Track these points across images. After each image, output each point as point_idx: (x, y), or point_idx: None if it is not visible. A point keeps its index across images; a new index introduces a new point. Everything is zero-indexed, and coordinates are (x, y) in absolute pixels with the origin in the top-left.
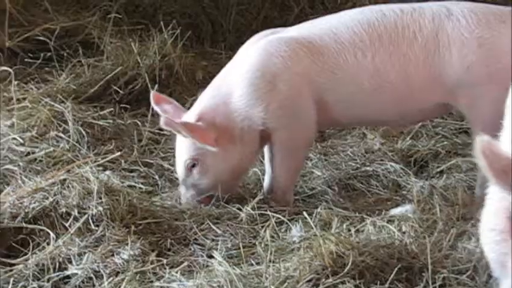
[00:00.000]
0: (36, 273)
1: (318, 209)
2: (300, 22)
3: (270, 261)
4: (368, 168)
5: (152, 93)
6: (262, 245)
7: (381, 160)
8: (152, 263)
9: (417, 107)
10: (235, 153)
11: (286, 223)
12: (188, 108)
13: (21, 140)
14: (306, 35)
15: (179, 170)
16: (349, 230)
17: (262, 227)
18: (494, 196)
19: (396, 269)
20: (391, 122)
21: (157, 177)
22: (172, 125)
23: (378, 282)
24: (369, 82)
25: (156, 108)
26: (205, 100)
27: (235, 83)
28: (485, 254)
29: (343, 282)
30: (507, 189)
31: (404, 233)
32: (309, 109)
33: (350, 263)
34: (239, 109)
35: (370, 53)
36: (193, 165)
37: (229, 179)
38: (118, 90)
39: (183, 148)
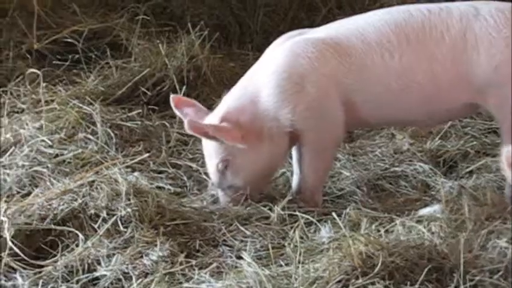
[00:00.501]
0: (65, 275)
1: (347, 210)
2: (327, 23)
3: (299, 262)
4: (396, 168)
5: (172, 97)
6: (292, 246)
7: (410, 160)
8: (181, 264)
9: (445, 107)
10: (264, 151)
11: (316, 224)
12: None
13: (49, 142)
14: (333, 35)
15: (213, 174)
16: (378, 231)
17: (292, 227)
18: None
19: (426, 269)
20: (419, 122)
21: (185, 178)
22: (196, 127)
23: (408, 283)
24: (396, 82)
25: (177, 112)
26: (230, 101)
27: (262, 84)
28: None
29: (373, 283)
30: None
31: (433, 233)
32: (336, 110)
33: (379, 264)
34: (266, 110)
35: (397, 53)
36: (226, 167)
37: (261, 177)
38: (146, 91)
39: (212, 152)
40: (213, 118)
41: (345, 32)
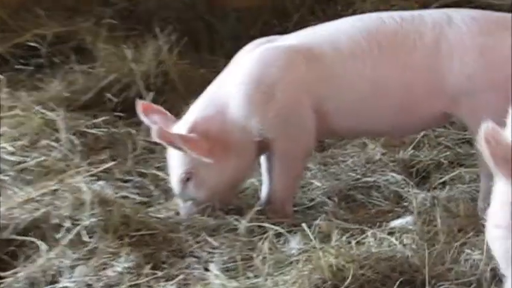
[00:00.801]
0: (26, 286)
1: (318, 221)
2: (299, 29)
3: (268, 274)
4: (368, 179)
5: (139, 103)
6: (260, 258)
7: (382, 171)
8: (146, 276)
9: (418, 116)
10: (230, 164)
11: (285, 235)
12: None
13: (11, 149)
14: (304, 42)
15: (175, 184)
16: (349, 243)
17: (260, 239)
18: (499, 191)
19: (398, 282)
20: (391, 132)
21: (151, 187)
22: (164, 136)
23: None
24: (369, 91)
25: (144, 119)
26: (197, 110)
27: (230, 94)
28: (492, 252)
29: None
30: (507, 178)
31: (405, 245)
32: (307, 118)
33: (350, 277)
34: (235, 120)
35: (369, 61)
36: (188, 179)
37: (226, 190)
38: (112, 98)
39: (176, 161)
40: (180, 127)
41: (317, 39)
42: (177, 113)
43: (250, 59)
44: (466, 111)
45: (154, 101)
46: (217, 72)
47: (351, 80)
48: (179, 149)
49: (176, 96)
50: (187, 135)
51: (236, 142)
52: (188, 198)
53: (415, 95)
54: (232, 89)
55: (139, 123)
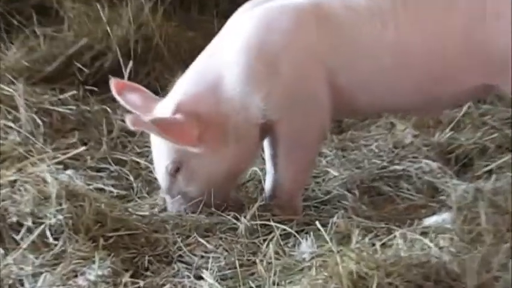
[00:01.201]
0: None
1: (335, 219)
2: None
3: (273, 283)
4: (397, 167)
5: (112, 82)
6: (264, 264)
7: (414, 157)
8: (125, 285)
9: (451, 90)
10: (227, 152)
11: (294, 236)
12: (164, 95)
13: None
14: (312, 1)
15: (161, 177)
16: (373, 245)
17: (264, 240)
18: None
19: None
20: (417, 109)
21: (131, 178)
22: (140, 124)
23: None
24: (390, 58)
25: (120, 100)
26: (185, 86)
27: (226, 65)
28: None
29: None
30: None
31: (441, 248)
32: (320, 94)
33: (374, 286)
34: (232, 98)
35: (392, 20)
36: (177, 170)
37: (223, 182)
38: (83, 68)
39: (162, 149)
40: (164, 108)
41: None
42: (163, 86)
43: (250, 21)
44: None
45: (135, 72)
46: (210, 36)
47: (370, 46)
48: (162, 137)
49: (161, 66)
50: (168, 120)
51: (233, 125)
52: (177, 193)
53: (450, 64)
54: (228, 58)
55: (115, 99)
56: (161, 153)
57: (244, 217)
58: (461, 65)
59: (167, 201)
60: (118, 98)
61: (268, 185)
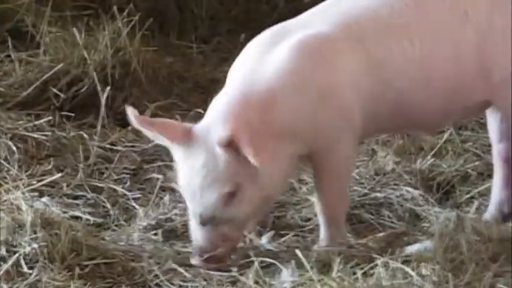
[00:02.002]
0: None
1: (315, 247)
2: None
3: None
4: (378, 194)
5: (132, 114)
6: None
7: (396, 184)
8: None
9: (462, 106)
10: (275, 172)
11: (275, 264)
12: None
13: None
14: (341, 25)
15: (207, 206)
16: (354, 273)
17: (245, 269)
18: None
19: None
20: (434, 124)
21: (108, 205)
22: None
23: None
24: (417, 75)
25: (150, 134)
26: (231, 111)
27: (272, 96)
28: None
29: None
30: None
31: (424, 277)
32: (356, 121)
33: None
34: (279, 127)
35: (416, 36)
36: (232, 195)
37: (267, 204)
38: (59, 93)
39: (215, 174)
40: (212, 133)
41: (354, 16)
42: (140, 112)
43: (292, 52)
44: (506, 101)
45: (112, 97)
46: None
47: (399, 65)
48: (232, 151)
49: (138, 91)
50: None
51: (282, 152)
52: (223, 221)
53: (466, 79)
54: (275, 89)
55: (92, 125)
56: (214, 180)
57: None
58: (473, 80)
59: (200, 233)
60: (148, 132)
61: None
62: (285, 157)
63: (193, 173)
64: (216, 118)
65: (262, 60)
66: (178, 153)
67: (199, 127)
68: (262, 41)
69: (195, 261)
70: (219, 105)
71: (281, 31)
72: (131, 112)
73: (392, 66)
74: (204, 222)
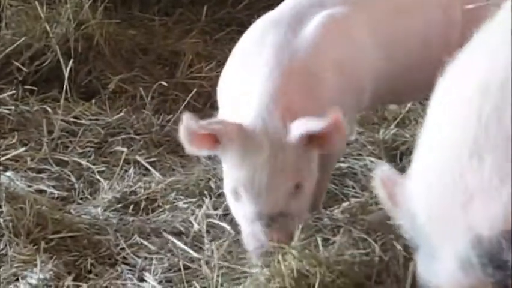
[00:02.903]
0: None
1: None
2: None
3: (217, 284)
4: (341, 164)
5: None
6: (212, 264)
7: (359, 154)
8: None
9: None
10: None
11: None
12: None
13: None
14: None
15: (277, 201)
16: (315, 244)
17: (211, 241)
18: None
19: None
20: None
21: (73, 179)
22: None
23: None
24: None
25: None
26: (279, 97)
27: (314, 73)
28: None
29: None
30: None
31: (385, 248)
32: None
33: (316, 285)
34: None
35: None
36: (298, 188)
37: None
38: (21, 67)
39: (285, 166)
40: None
41: None
42: (104, 85)
43: (318, 30)
44: None
45: (75, 71)
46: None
47: (405, 41)
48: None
49: (102, 64)
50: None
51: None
52: (290, 216)
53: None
54: (320, 72)
55: (56, 99)
56: (283, 173)
57: (195, 219)
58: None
59: (260, 227)
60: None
61: None
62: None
63: (262, 168)
64: (271, 109)
65: (289, 38)
66: (232, 152)
67: (251, 122)
68: (278, 19)
69: (255, 259)
70: (265, 94)
71: (297, 10)
72: (189, 120)
73: (398, 43)
74: (271, 220)
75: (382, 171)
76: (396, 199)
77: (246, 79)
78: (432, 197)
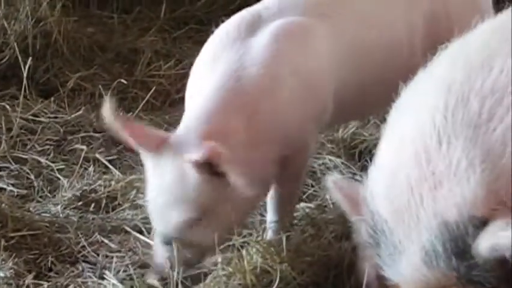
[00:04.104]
0: None
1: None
2: None
3: (177, 284)
4: None
5: (122, 123)
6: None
7: (318, 153)
8: (28, 287)
9: None
10: (253, 191)
11: None
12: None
13: None
14: (315, 10)
15: (170, 226)
16: (278, 241)
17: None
18: None
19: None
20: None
21: (32, 177)
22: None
23: None
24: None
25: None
26: (209, 116)
27: (258, 91)
28: None
29: None
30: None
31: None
32: (329, 114)
33: (277, 281)
34: (265, 130)
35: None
36: (199, 218)
37: (235, 227)
38: None
39: (183, 193)
40: (186, 144)
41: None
42: (62, 83)
43: (275, 40)
44: None
45: (34, 68)
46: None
47: (371, 49)
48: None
49: (60, 62)
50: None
51: (263, 158)
52: (187, 245)
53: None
54: (259, 84)
55: (15, 96)
56: (181, 200)
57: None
58: None
59: (158, 248)
60: (132, 139)
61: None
62: (264, 171)
63: (160, 189)
64: (190, 130)
65: (241, 53)
66: (148, 162)
67: (174, 137)
68: (234, 31)
69: (150, 279)
70: (197, 111)
71: (254, 19)
72: (111, 118)
73: (364, 51)
74: (166, 242)
75: (335, 178)
76: (354, 202)
77: (196, 94)
78: (394, 190)
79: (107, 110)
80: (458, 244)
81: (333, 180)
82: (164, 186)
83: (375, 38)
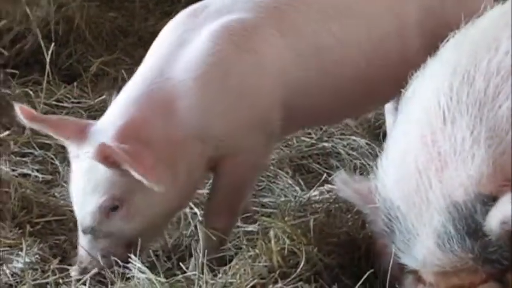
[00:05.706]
0: None
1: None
2: None
3: (202, 265)
4: (325, 144)
5: (20, 108)
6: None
7: (342, 134)
8: (54, 272)
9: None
10: (176, 186)
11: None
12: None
13: None
14: (267, 9)
15: (85, 214)
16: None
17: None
18: None
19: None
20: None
21: (57, 162)
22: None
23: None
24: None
25: (35, 125)
26: (129, 109)
27: (182, 88)
28: None
29: None
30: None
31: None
32: (278, 120)
33: (302, 263)
34: (186, 127)
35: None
36: (114, 208)
37: (164, 220)
38: (2, 51)
39: (96, 184)
40: (106, 135)
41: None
42: (85, 68)
43: (210, 38)
44: None
45: (56, 54)
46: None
47: (332, 50)
48: (114, 167)
49: (82, 47)
50: (131, 149)
51: (186, 155)
52: (105, 234)
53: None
54: (185, 80)
55: (38, 82)
56: (94, 189)
57: None
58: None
59: (83, 242)
60: (33, 124)
61: None
62: (187, 169)
63: (78, 176)
64: (110, 120)
65: (177, 48)
66: (70, 151)
67: (95, 126)
68: (178, 26)
69: (73, 272)
70: (119, 103)
71: (200, 14)
72: (19, 110)
73: (328, 52)
74: (84, 231)
75: (343, 176)
76: (364, 194)
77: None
78: (403, 174)
79: (19, 112)
80: (469, 223)
81: (340, 179)
82: (84, 173)
83: (351, 33)
